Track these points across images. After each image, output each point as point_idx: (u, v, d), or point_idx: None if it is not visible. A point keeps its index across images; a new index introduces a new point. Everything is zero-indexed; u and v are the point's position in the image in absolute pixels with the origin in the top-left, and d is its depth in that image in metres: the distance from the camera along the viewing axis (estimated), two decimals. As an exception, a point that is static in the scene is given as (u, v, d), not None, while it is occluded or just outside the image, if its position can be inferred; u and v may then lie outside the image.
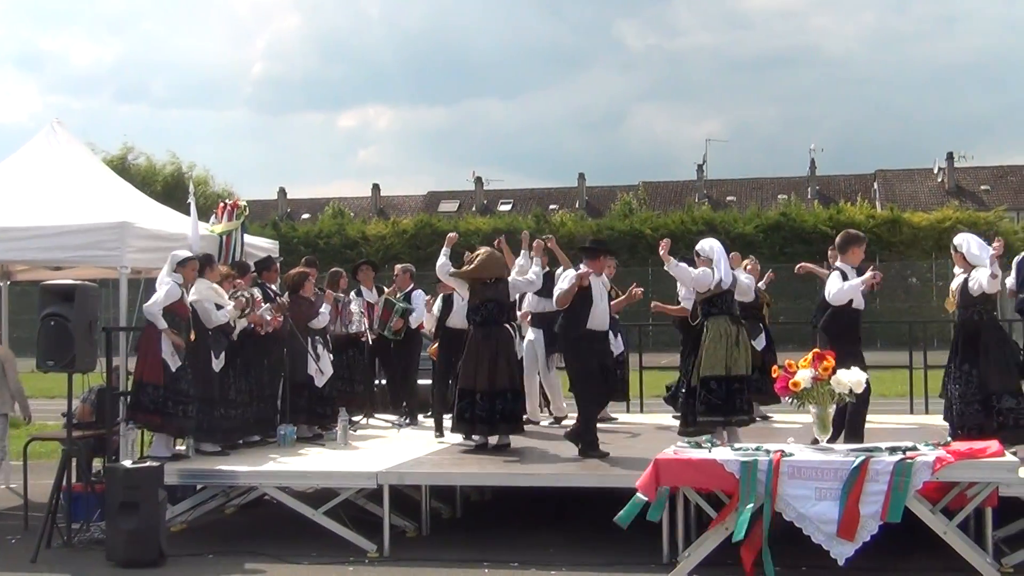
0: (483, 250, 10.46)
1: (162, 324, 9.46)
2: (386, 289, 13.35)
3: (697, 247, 10.00)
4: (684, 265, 9.74)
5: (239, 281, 10.66)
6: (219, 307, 10.00)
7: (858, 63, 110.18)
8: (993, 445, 7.93)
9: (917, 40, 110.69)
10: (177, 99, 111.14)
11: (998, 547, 7.93)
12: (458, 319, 11.27)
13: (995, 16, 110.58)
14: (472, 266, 10.31)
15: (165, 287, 9.58)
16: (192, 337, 9.73)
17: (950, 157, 57.53)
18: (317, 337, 11.36)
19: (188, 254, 9.95)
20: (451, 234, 11.34)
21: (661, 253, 9.70)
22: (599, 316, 9.83)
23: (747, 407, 9.71)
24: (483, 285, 10.25)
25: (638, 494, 7.73)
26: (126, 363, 10.09)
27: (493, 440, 10.23)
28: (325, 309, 11.53)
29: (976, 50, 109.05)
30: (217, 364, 10.08)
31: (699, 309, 9.89)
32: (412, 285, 13.28)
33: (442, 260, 10.67)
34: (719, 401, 9.39)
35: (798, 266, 12.12)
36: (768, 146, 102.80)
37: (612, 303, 10.77)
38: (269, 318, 10.63)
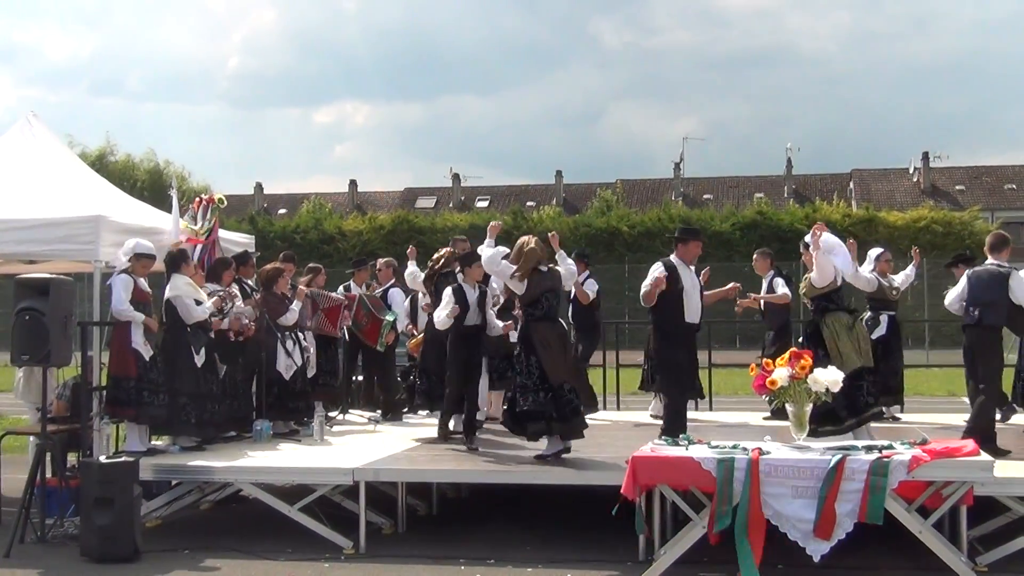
0: (525, 239, 9.69)
1: (139, 317, 9.59)
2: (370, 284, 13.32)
3: (809, 239, 9.99)
4: (830, 256, 9.78)
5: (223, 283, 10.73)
6: (198, 303, 9.98)
7: (834, 62, 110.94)
8: (969, 444, 7.97)
9: (892, 40, 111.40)
10: (153, 93, 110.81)
11: (973, 546, 7.97)
12: (475, 316, 10.22)
13: (969, 16, 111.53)
14: (523, 256, 9.45)
15: (119, 283, 9.62)
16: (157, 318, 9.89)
17: (925, 157, 57.88)
18: (287, 333, 11.31)
19: (147, 247, 9.93)
20: (494, 223, 10.06)
21: (812, 240, 9.67)
22: (694, 309, 9.55)
23: None
24: (540, 275, 9.46)
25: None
26: (99, 357, 10.03)
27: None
28: (295, 306, 11.43)
29: (950, 51, 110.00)
30: (199, 359, 10.04)
31: (811, 304, 10.01)
32: (393, 281, 13.25)
33: (491, 251, 9.64)
34: (881, 386, 9.23)
35: (739, 303, 12.02)
36: (745, 145, 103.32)
37: (705, 295, 9.94)
38: (247, 321, 10.60)
